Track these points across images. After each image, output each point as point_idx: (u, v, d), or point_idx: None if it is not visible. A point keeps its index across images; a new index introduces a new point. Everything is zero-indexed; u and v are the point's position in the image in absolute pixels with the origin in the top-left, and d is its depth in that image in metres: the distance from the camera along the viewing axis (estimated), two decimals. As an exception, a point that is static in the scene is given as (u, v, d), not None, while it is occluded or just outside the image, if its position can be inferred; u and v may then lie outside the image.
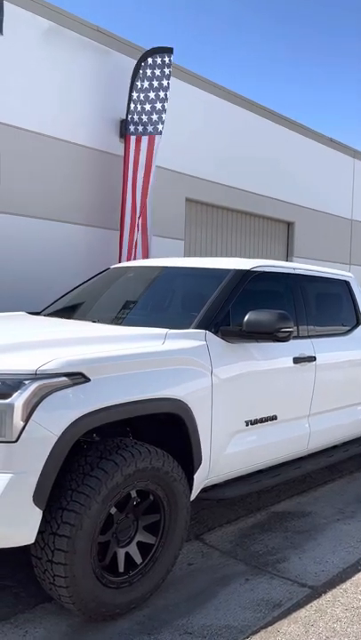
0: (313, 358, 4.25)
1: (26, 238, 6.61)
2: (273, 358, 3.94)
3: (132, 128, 7.08)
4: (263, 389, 3.85)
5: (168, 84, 7.13)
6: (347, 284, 5.14)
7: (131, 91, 7.07)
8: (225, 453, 3.59)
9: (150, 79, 7.12)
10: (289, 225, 10.98)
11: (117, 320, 3.89)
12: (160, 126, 7.17)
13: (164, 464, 3.01)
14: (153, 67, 7.08)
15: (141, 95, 7.11)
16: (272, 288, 4.38)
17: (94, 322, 3.83)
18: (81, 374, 2.74)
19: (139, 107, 7.09)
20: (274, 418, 3.96)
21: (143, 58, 7.09)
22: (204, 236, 9.26)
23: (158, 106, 7.15)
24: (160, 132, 7.21)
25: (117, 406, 2.85)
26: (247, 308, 3.66)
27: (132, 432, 3.37)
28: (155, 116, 7.14)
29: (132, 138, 7.08)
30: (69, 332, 3.42)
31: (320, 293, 4.87)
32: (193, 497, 3.42)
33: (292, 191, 10.66)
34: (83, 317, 4.03)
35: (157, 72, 7.10)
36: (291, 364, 4.07)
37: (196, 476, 3.35)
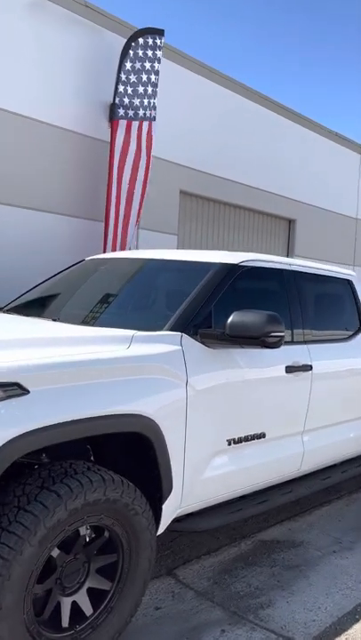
0: (309, 367, 3.72)
1: (3, 228, 6.08)
2: (262, 367, 3.40)
3: (120, 112, 6.53)
4: (249, 403, 3.32)
5: (158, 67, 6.60)
6: (349, 283, 4.60)
7: (119, 72, 6.52)
8: (202, 478, 3.06)
9: (142, 60, 6.58)
10: (290, 222, 10.43)
11: (82, 319, 3.35)
12: (153, 112, 6.65)
13: (122, 495, 2.48)
14: (145, 47, 6.54)
15: (132, 77, 6.57)
16: (263, 286, 3.85)
17: (54, 320, 3.30)
18: (17, 385, 2.21)
19: (129, 89, 6.55)
20: (262, 435, 3.43)
21: (133, 37, 6.55)
22: (199, 232, 8.72)
23: (150, 90, 6.63)
24: (153, 119, 6.69)
25: (63, 425, 2.32)
26: (234, 308, 3.13)
27: (95, 451, 2.85)
28: (146, 101, 6.61)
29: (121, 123, 6.54)
30: (15, 332, 2.89)
31: (319, 293, 4.33)
32: (162, 530, 2.89)
33: (294, 187, 10.11)
34: (42, 315, 3.49)
35: (149, 53, 6.57)
36: (283, 373, 3.53)
37: (165, 506, 2.82)
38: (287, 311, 3.76)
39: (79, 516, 2.33)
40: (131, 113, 6.57)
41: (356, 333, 4.44)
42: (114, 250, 6.52)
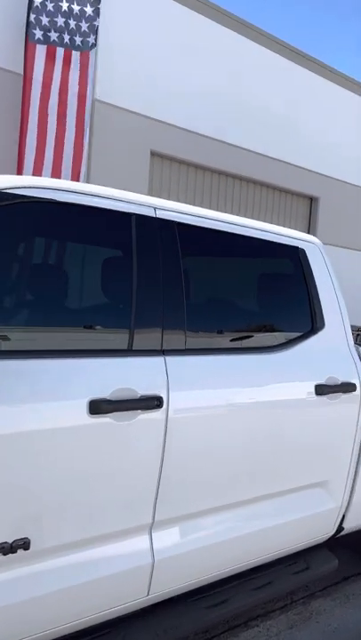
0: (157, 400, 1.90)
1: None
2: (24, 403, 1.63)
3: (36, 34, 4.87)
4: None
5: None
6: (300, 255, 2.71)
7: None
8: None
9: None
10: (312, 200, 8.45)
11: None
12: (90, 39, 4.98)
13: None
14: None
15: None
16: (72, 243, 2.07)
17: None
18: None
19: (49, 5, 4.88)
20: (21, 546, 1.65)
21: None
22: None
23: (87, 10, 4.95)
24: (91, 47, 5.02)
25: None
26: None
27: None
28: (80, 24, 4.93)
29: (40, 48, 4.88)
30: None
31: (228, 268, 2.50)
32: None
33: (316, 157, 8.15)
34: None
35: None
36: (83, 414, 1.74)
37: None
38: (127, 294, 1.97)
39: None
40: (54, 36, 4.90)
41: (301, 338, 2.55)
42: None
